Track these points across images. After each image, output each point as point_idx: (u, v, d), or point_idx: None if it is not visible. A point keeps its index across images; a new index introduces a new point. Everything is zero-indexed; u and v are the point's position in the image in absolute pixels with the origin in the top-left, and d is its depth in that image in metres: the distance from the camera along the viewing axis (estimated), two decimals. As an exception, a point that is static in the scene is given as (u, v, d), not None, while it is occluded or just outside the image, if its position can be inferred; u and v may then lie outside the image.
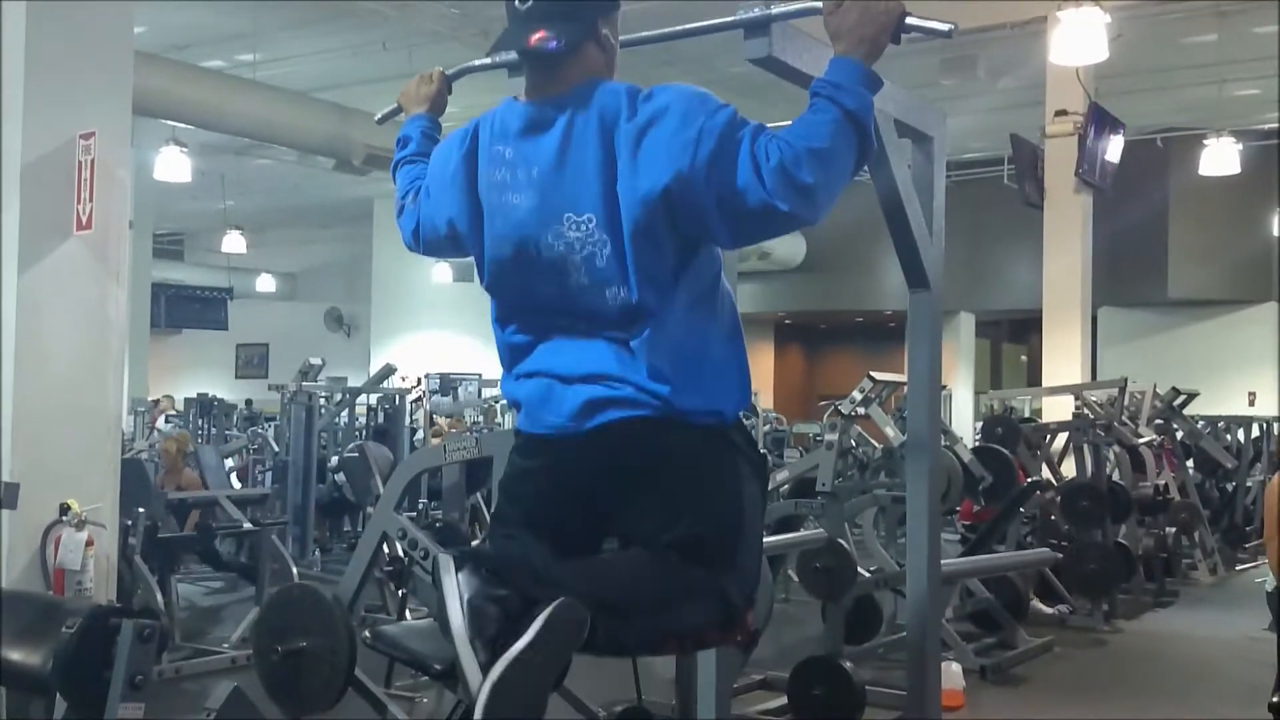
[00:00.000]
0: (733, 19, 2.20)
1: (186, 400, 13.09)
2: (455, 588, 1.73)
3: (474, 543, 6.96)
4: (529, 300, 2.03)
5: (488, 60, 2.46)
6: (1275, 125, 12.00)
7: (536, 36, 1.92)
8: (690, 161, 1.84)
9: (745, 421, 2.11)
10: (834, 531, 5.36)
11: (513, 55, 2.39)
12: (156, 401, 12.27)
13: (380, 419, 10.60)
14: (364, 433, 10.75)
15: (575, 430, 1.95)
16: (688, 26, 2.31)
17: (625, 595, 1.86)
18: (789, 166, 1.81)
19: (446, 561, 1.77)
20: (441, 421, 10.97)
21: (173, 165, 10.82)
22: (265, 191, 15.32)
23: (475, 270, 2.12)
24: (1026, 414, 10.68)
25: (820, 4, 2.02)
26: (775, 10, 2.15)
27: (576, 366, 1.96)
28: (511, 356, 2.10)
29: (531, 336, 2.05)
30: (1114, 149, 9.01)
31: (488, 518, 7.16)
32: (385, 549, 4.78)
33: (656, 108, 1.89)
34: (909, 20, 1.98)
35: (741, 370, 2.05)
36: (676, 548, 1.89)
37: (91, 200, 4.14)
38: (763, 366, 18.03)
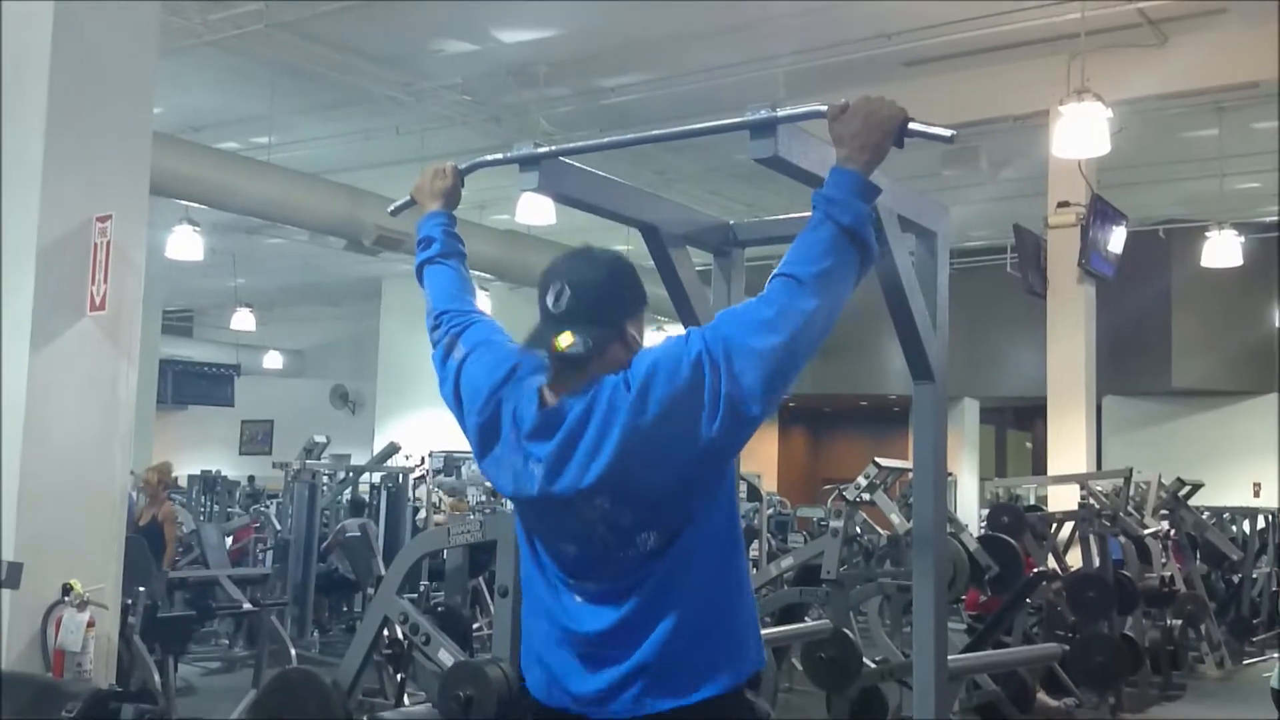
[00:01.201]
0: (739, 120, 2.25)
1: (190, 477, 13.07)
2: None
3: (476, 625, 6.91)
4: (551, 546, 2.08)
5: (499, 155, 2.52)
6: (1275, 218, 12.13)
7: (566, 342, 1.97)
8: (713, 414, 1.90)
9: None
10: (839, 620, 5.34)
11: (525, 152, 2.45)
12: (159, 466, 12.22)
13: (383, 497, 10.57)
14: (366, 511, 10.72)
15: (584, 715, 2.01)
16: (695, 126, 2.36)
17: None
18: (795, 301, 1.91)
19: None
20: (445, 501, 10.96)
21: (186, 244, 10.93)
22: (275, 270, 15.46)
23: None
24: (1031, 501, 10.65)
25: (824, 108, 2.07)
26: (781, 113, 2.20)
27: (594, 626, 2.00)
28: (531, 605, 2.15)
29: (548, 585, 2.09)
30: (1116, 240, 9.09)
31: (489, 601, 7.12)
32: (385, 632, 4.75)
33: (643, 373, 1.94)
34: (911, 126, 2.03)
35: (754, 627, 2.09)
36: None
37: (106, 281, 4.20)
38: (767, 449, 18.01)
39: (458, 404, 2.22)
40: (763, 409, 1.93)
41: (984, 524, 10.28)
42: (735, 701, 2.00)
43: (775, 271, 1.96)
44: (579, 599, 2.03)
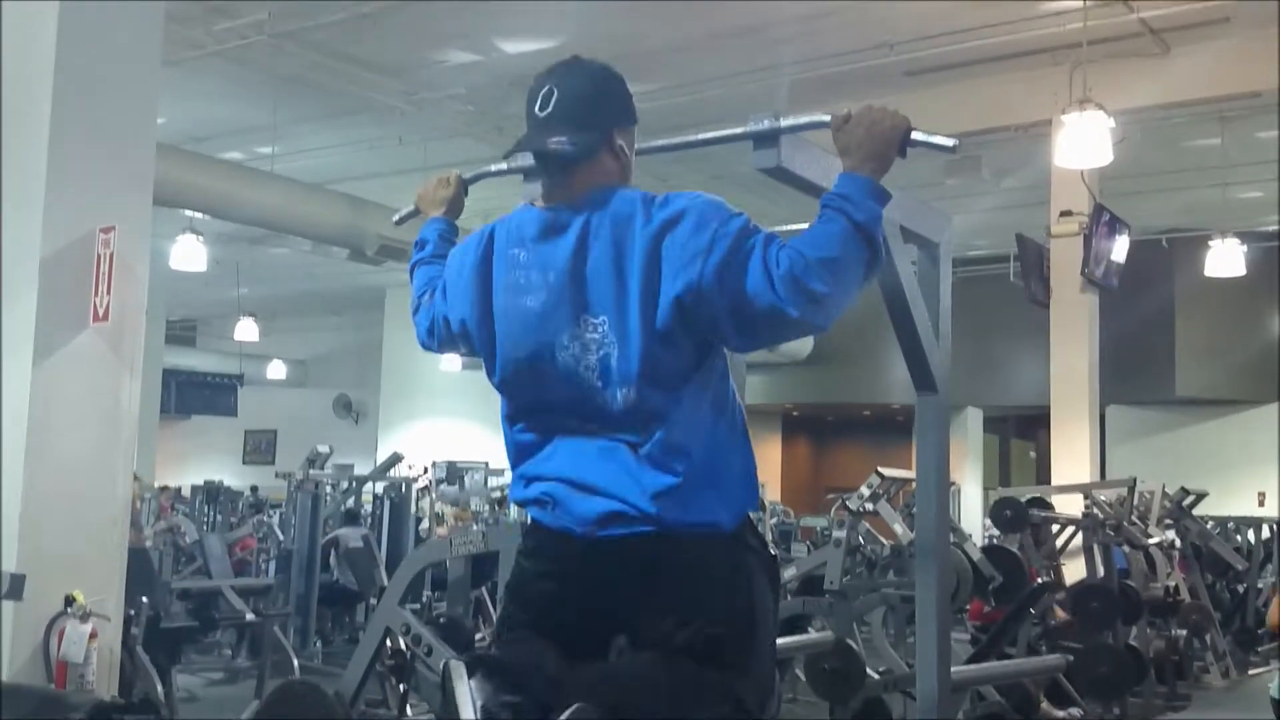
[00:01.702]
0: (742, 130, 2.25)
1: (193, 487, 13.07)
2: (468, 694, 1.73)
3: (478, 636, 6.90)
4: (540, 400, 2.07)
5: (504, 165, 2.53)
6: (1278, 228, 12.12)
7: (553, 140, 1.98)
8: (702, 267, 1.90)
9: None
10: (842, 631, 5.32)
11: (528, 160, 2.45)
12: (164, 488, 12.25)
13: (386, 507, 10.57)
14: (369, 521, 10.72)
15: (586, 536, 1.97)
16: (699, 137, 2.37)
17: (640, 700, 1.86)
18: (799, 274, 1.86)
19: (458, 668, 1.77)
20: (448, 511, 10.96)
21: (189, 254, 10.95)
22: (279, 280, 15.48)
23: (485, 369, 2.16)
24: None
25: (828, 118, 2.08)
26: (784, 123, 2.21)
27: (586, 474, 1.99)
28: (520, 455, 2.13)
29: (541, 436, 2.09)
30: (1120, 249, 9.08)
31: (492, 612, 7.11)
32: (388, 642, 4.74)
33: (670, 214, 1.95)
34: (914, 135, 2.04)
35: (749, 470, 2.08)
36: (689, 652, 1.90)
37: (109, 293, 4.20)
38: (770, 458, 18.00)
39: (443, 298, 2.24)
40: (736, 341, 1.96)
41: (988, 533, 10.28)
42: (746, 529, 2.02)
43: (786, 244, 1.92)
44: (571, 446, 2.03)
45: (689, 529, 1.94)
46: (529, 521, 2.14)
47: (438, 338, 2.31)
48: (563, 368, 2.00)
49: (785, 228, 3.22)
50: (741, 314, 1.89)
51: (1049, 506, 8.23)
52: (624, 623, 1.99)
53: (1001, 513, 7.80)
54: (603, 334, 1.95)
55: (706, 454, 1.98)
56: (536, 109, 2.05)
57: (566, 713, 1.69)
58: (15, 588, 3.98)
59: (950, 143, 2.09)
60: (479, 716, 1.71)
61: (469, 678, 1.75)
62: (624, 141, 2.09)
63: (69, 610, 4.07)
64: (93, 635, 4.06)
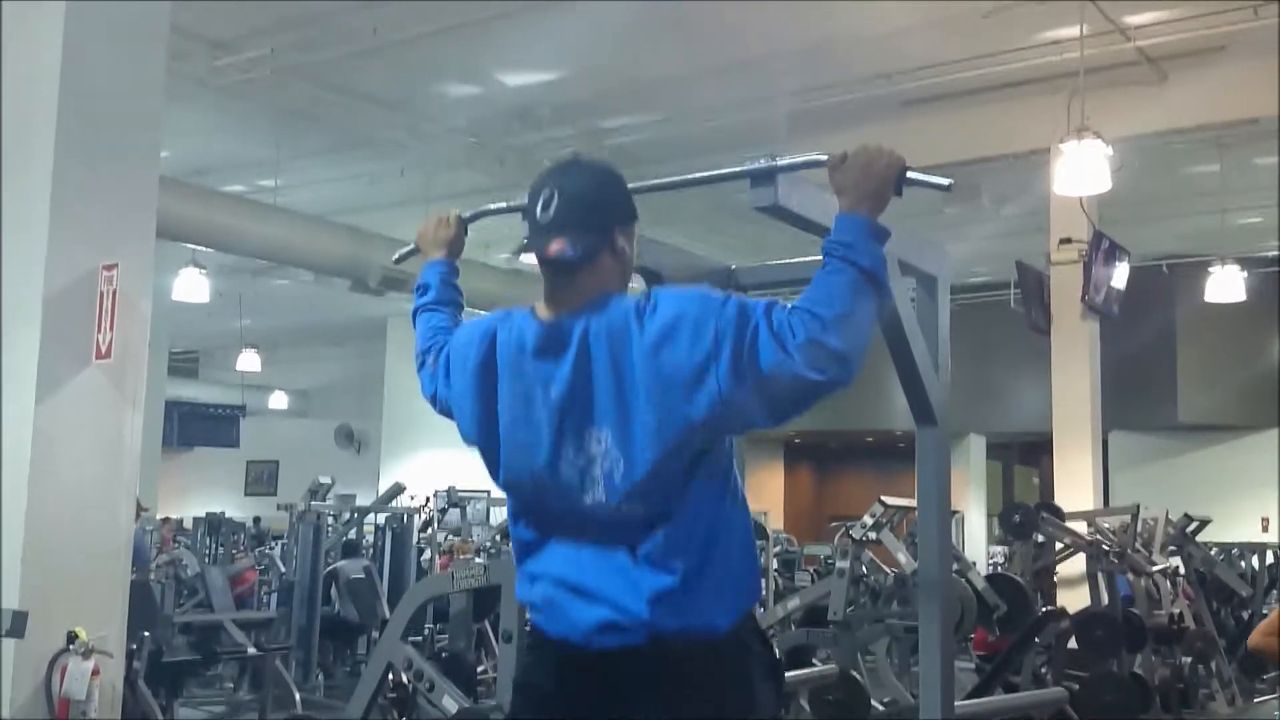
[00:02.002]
0: (739, 169, 2.27)
1: (195, 519, 13.05)
2: None
3: (480, 669, 6.88)
4: (543, 504, 2.07)
5: (504, 204, 2.54)
6: (1278, 253, 12.14)
7: (555, 246, 1.99)
8: (718, 374, 1.87)
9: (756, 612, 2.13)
10: (846, 662, 5.31)
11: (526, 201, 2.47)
12: (166, 520, 12.23)
13: (388, 538, 10.54)
14: (371, 551, 10.69)
15: (584, 646, 1.99)
16: (696, 176, 2.39)
17: None
18: (817, 336, 1.85)
19: None
20: (450, 541, 10.93)
21: (191, 287, 10.99)
22: (281, 311, 15.51)
23: (488, 470, 2.16)
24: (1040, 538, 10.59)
25: (824, 157, 2.09)
26: (780, 162, 2.22)
27: (584, 578, 2.00)
28: (522, 552, 2.14)
29: (542, 535, 2.10)
30: (1120, 276, 9.09)
31: (495, 645, 7.09)
32: (390, 677, 4.73)
33: (662, 324, 1.92)
34: (910, 174, 2.05)
35: (753, 566, 2.08)
36: None
37: (112, 329, 4.21)
38: (772, 486, 17.96)
39: (446, 380, 2.24)
40: (765, 421, 1.93)
41: (992, 560, 10.25)
42: (746, 628, 2.01)
43: (796, 306, 1.90)
44: (571, 548, 2.03)
45: (685, 635, 1.94)
46: (529, 628, 2.16)
47: (441, 410, 2.32)
48: (565, 480, 2.00)
49: (784, 261, 3.24)
50: (768, 394, 1.88)
51: (1061, 516, 8.19)
52: None
53: (1010, 518, 7.77)
54: (606, 448, 1.95)
55: (706, 551, 1.97)
56: (538, 212, 2.04)
57: None
58: (17, 625, 3.97)
59: (945, 182, 2.10)
60: None
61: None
62: (624, 241, 2.08)
63: (71, 647, 4.06)
64: (95, 672, 4.05)
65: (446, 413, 2.30)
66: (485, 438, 2.12)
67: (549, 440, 2.00)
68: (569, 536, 2.04)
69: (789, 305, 1.90)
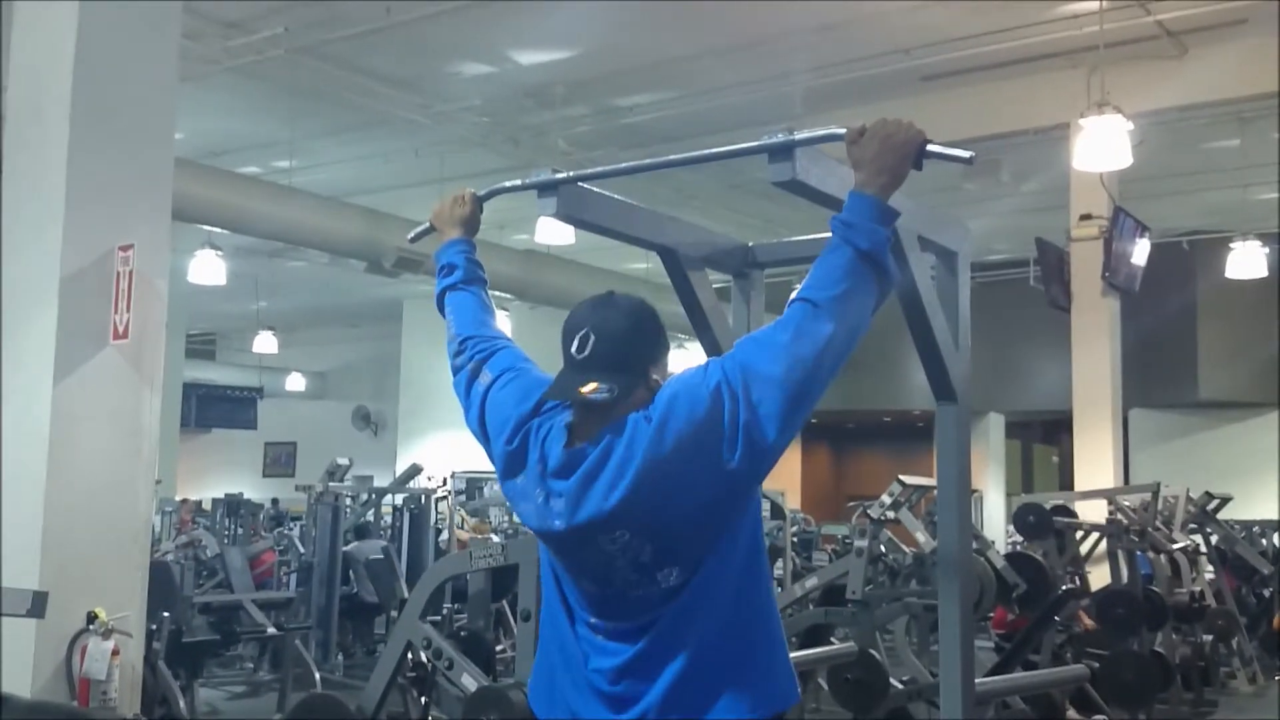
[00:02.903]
0: (757, 144, 2.24)
1: (214, 500, 13.11)
2: None
3: (499, 648, 6.90)
4: (574, 571, 2.08)
5: (518, 182, 2.52)
6: (1299, 228, 12.03)
7: (590, 389, 1.96)
8: (737, 446, 1.89)
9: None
10: (865, 641, 5.30)
11: (543, 177, 2.45)
12: (184, 501, 12.30)
13: (406, 519, 10.57)
14: (389, 532, 10.72)
15: None
16: (714, 151, 2.35)
17: None
18: (808, 325, 1.90)
19: None
20: (468, 522, 10.96)
21: (208, 269, 11.01)
22: (297, 292, 15.55)
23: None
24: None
25: (843, 131, 2.06)
26: (798, 136, 2.19)
27: (610, 663, 2.01)
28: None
29: (578, 602, 2.09)
30: (1140, 252, 9.03)
31: (513, 624, 7.10)
32: (409, 656, 4.74)
33: (663, 404, 1.94)
34: (930, 148, 2.02)
35: (786, 661, 2.07)
36: None
37: (129, 310, 4.21)
38: (790, 466, 17.93)
39: (482, 430, 2.22)
40: (782, 437, 1.91)
41: (1011, 539, 10.22)
42: None
43: (793, 296, 1.96)
44: (599, 637, 2.02)
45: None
46: None
47: (471, 421, 2.28)
48: (594, 566, 2.00)
49: (801, 238, 3.21)
50: (790, 395, 1.90)
51: (1073, 514, 8.18)
52: None
53: (1025, 519, 7.75)
54: (626, 542, 1.94)
55: (730, 631, 1.98)
56: (574, 351, 2.03)
57: None
58: (38, 605, 3.98)
59: (966, 155, 2.06)
60: None
61: None
62: (658, 374, 2.06)
63: (91, 627, 4.09)
64: (115, 652, 4.08)
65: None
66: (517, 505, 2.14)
67: (572, 539, 1.99)
68: (605, 618, 2.04)
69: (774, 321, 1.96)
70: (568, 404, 2.05)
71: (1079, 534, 8.20)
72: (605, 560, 1.96)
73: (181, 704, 5.47)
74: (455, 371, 2.35)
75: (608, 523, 1.93)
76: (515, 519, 11.84)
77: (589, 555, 1.98)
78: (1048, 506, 8.04)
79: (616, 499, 1.91)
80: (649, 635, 1.96)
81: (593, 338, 2.02)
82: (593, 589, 2.02)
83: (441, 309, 2.47)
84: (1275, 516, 11.39)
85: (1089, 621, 7.30)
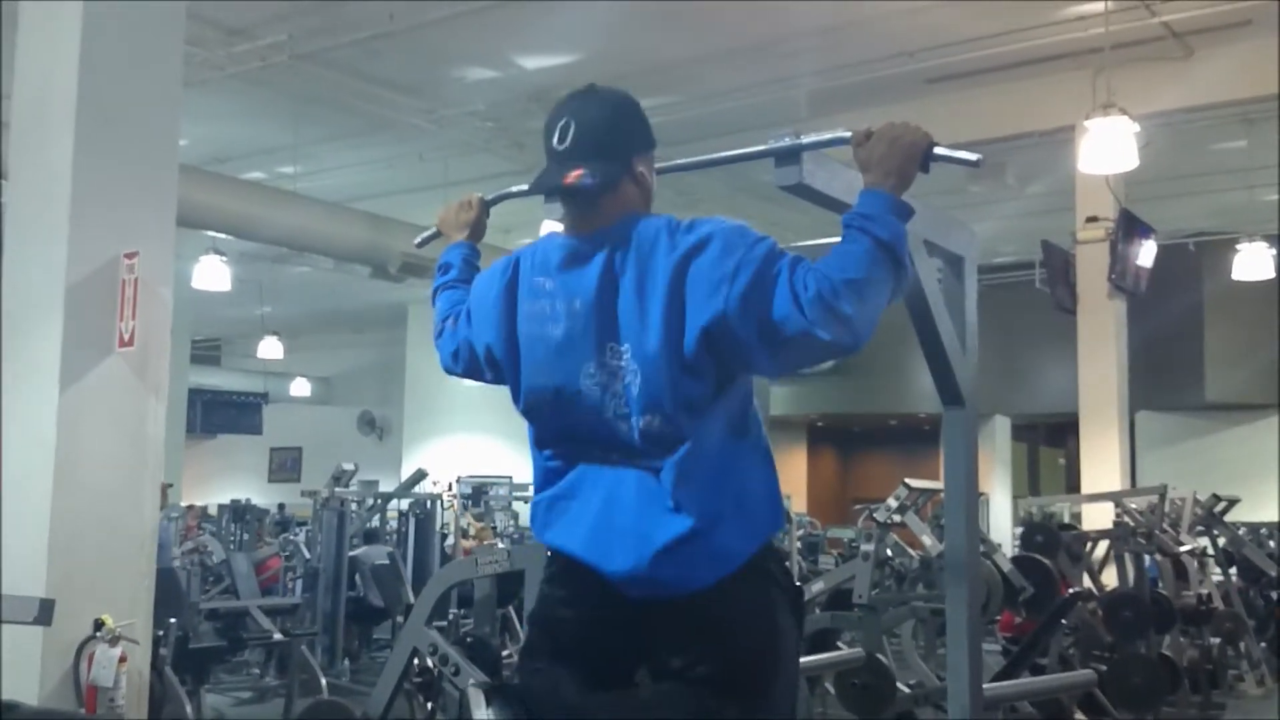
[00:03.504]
0: (764, 148, 2.24)
1: (220, 506, 13.13)
2: None
3: (505, 654, 6.89)
4: (565, 427, 2.05)
5: (524, 186, 2.51)
6: (1306, 230, 11.99)
7: (573, 175, 1.97)
8: (728, 294, 1.87)
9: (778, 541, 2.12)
10: (871, 645, 5.28)
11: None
12: (190, 507, 12.31)
13: (411, 524, 10.57)
14: (394, 537, 10.72)
15: (612, 586, 1.97)
16: (720, 155, 2.35)
17: None
18: (827, 296, 1.83)
19: (477, 695, 1.76)
20: (473, 526, 10.95)
21: (212, 274, 11.01)
22: (301, 298, 15.55)
23: (511, 395, 2.15)
24: (1066, 519, 10.53)
25: (849, 135, 2.06)
26: (805, 140, 2.19)
27: (612, 511, 1.98)
28: (546, 479, 2.12)
29: (566, 463, 2.07)
30: (1146, 254, 9.01)
31: (519, 630, 7.09)
32: (415, 661, 4.74)
33: (695, 240, 1.93)
34: (937, 150, 2.01)
35: (773, 494, 2.05)
36: (710, 685, 1.87)
37: (134, 318, 4.21)
38: (796, 469, 17.92)
39: (468, 323, 2.23)
40: (768, 367, 1.92)
41: (1018, 542, 10.19)
42: (770, 558, 2.00)
43: (812, 267, 1.90)
44: (596, 472, 2.02)
45: (707, 576, 1.93)
46: (549, 552, 2.12)
47: (461, 363, 2.30)
48: (587, 396, 1.98)
49: (809, 242, 3.19)
50: (771, 340, 1.87)
51: (1076, 528, 8.16)
52: (644, 649, 1.97)
53: (1033, 538, 7.73)
54: (626, 362, 1.94)
55: (729, 481, 1.97)
56: (555, 142, 2.03)
57: None
58: (45, 613, 3.97)
59: (974, 158, 2.06)
60: None
61: (487, 705, 1.74)
62: (644, 167, 2.07)
63: (98, 634, 4.08)
64: (122, 658, 4.07)
65: (470, 368, 2.28)
66: (507, 360, 2.11)
67: (570, 354, 1.99)
68: (592, 463, 2.02)
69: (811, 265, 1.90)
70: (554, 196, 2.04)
71: (1088, 543, 8.19)
72: (600, 385, 1.96)
73: (188, 710, 5.46)
74: (441, 352, 2.36)
75: (616, 330, 1.93)
76: (520, 523, 11.84)
77: (585, 379, 1.97)
78: (1053, 510, 8.03)
79: (629, 308, 1.92)
80: (648, 479, 1.95)
81: (573, 126, 2.01)
82: (583, 420, 2.00)
83: (434, 306, 2.48)
84: (1282, 518, 11.35)
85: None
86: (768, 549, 2.02)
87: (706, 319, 1.88)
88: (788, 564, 2.15)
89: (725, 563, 1.94)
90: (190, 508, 12.20)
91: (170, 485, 9.68)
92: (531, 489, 2.20)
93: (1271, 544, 10.44)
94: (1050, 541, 7.46)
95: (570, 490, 2.05)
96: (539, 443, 2.12)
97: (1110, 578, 7.92)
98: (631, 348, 1.93)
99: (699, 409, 1.94)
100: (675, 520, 1.92)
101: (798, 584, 2.14)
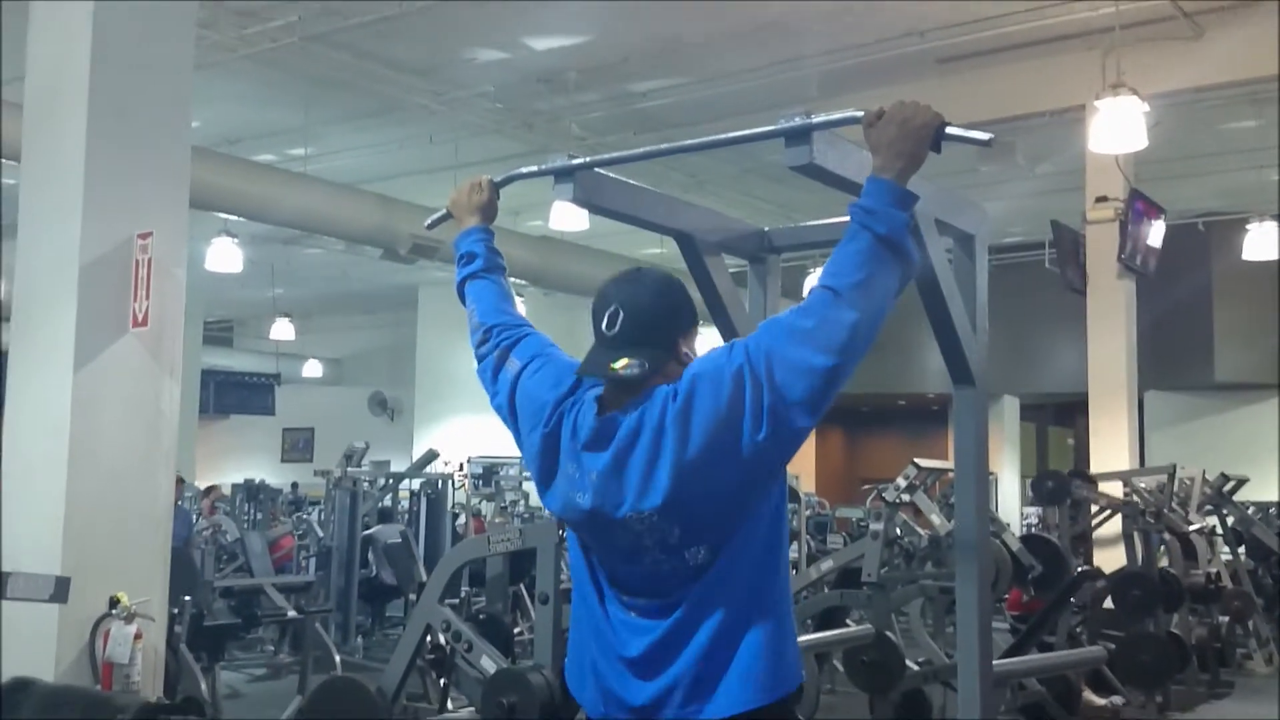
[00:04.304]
0: (774, 128, 2.24)
1: (233, 486, 13.20)
2: None
3: (516, 631, 6.95)
4: (604, 550, 2.11)
5: (535, 168, 2.53)
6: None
7: (622, 365, 2.00)
8: (754, 424, 1.91)
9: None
10: (880, 623, 5.32)
11: (560, 164, 2.46)
12: (210, 489, 12.39)
13: (423, 503, 10.63)
14: (406, 517, 10.78)
15: None
16: (730, 135, 2.36)
17: None
18: (831, 313, 1.91)
19: None
20: (486, 507, 11.02)
21: (224, 256, 11.05)
22: (313, 279, 15.58)
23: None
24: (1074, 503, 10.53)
25: (860, 115, 2.07)
26: (815, 120, 2.20)
27: (643, 639, 2.03)
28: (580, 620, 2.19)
29: (609, 581, 2.12)
30: (1156, 234, 8.99)
31: (530, 608, 7.14)
32: (428, 638, 4.79)
33: (687, 385, 1.97)
34: (949, 130, 2.02)
35: (795, 645, 2.09)
36: None
37: (148, 298, 4.23)
38: (804, 450, 17.59)
39: (513, 418, 2.24)
40: (806, 420, 1.93)
41: (1026, 521, 10.23)
42: (780, 715, 2.00)
43: (815, 285, 1.97)
44: (631, 614, 2.05)
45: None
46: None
47: (496, 404, 2.30)
48: (624, 546, 2.02)
49: (818, 222, 3.22)
50: (814, 381, 1.91)
51: (1092, 482, 8.15)
52: None
53: (1043, 484, 7.74)
54: (653, 523, 1.96)
55: (749, 614, 2.00)
56: (604, 328, 2.06)
57: None
58: (61, 591, 4.03)
59: (985, 137, 2.07)
60: None
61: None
62: (687, 346, 2.09)
63: (114, 612, 4.12)
64: (137, 636, 4.11)
65: (503, 418, 2.31)
66: (544, 485, 2.15)
67: (600, 519, 2.02)
68: (631, 595, 2.07)
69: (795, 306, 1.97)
70: (599, 382, 2.08)
71: (1094, 509, 8.20)
72: (633, 538, 1.99)
73: (203, 686, 5.53)
74: (480, 359, 2.36)
75: (641, 515, 1.96)
76: (533, 503, 11.90)
77: (618, 534, 2.00)
78: (1066, 472, 8.03)
79: (656, 492, 1.94)
80: (679, 611, 1.99)
81: (622, 314, 2.04)
82: (622, 567, 2.05)
83: (462, 298, 2.48)
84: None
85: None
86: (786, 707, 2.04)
87: (738, 472, 1.93)
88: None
89: (747, 698, 1.97)
90: (209, 490, 12.27)
91: (182, 481, 9.72)
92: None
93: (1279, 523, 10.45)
94: (1060, 488, 7.46)
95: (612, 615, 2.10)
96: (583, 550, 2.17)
97: (1118, 556, 7.95)
98: (657, 512, 1.95)
99: (732, 530, 1.98)
100: (695, 650, 1.98)
101: None
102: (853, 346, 1.91)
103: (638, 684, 2.02)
